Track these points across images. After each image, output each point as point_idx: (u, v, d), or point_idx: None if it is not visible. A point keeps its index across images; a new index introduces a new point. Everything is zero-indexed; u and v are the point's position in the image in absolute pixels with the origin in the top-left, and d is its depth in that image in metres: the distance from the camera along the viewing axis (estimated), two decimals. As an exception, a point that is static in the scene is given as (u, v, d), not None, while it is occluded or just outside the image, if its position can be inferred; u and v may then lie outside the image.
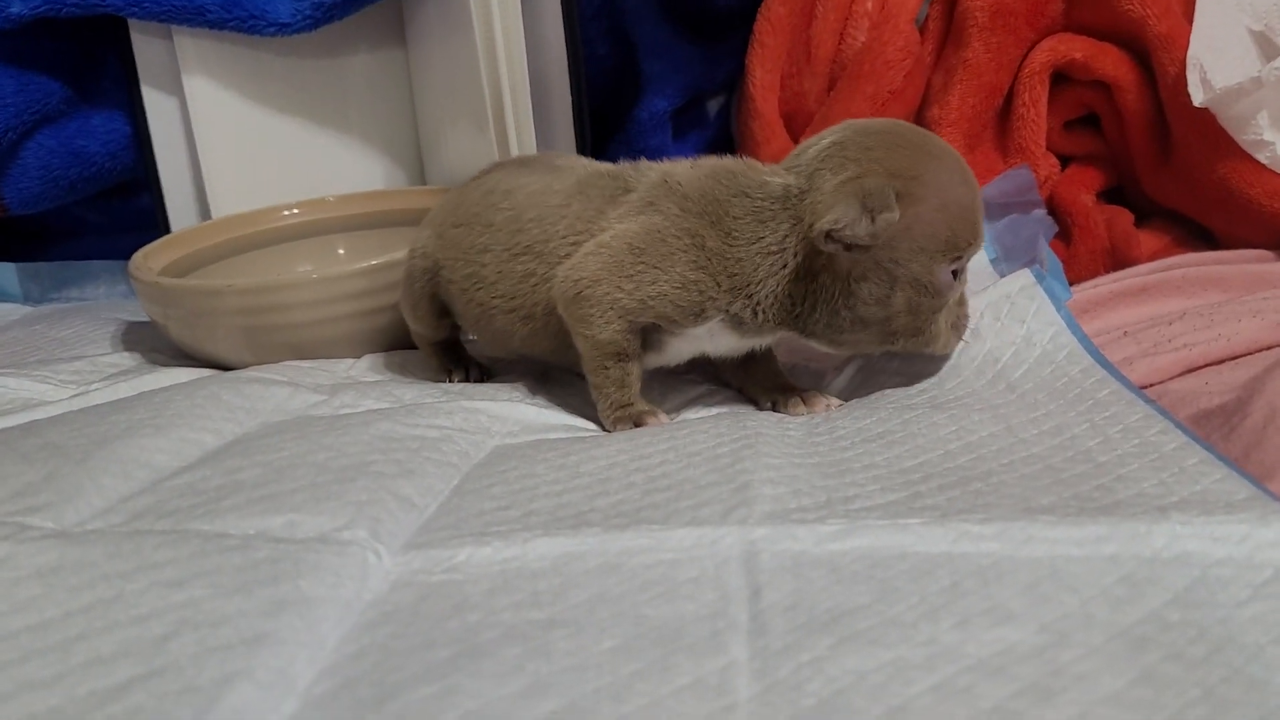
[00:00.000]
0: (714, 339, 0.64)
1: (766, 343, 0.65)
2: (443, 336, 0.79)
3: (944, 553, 0.40)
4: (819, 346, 0.63)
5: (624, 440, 0.57)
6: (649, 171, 0.66)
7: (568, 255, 0.65)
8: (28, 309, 1.10)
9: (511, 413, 0.66)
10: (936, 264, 0.59)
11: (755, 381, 0.68)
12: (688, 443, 0.55)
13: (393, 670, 0.35)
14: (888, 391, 0.64)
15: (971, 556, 0.39)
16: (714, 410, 0.66)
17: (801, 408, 0.64)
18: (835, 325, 0.61)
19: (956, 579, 0.38)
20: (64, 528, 0.46)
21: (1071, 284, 0.80)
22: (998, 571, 0.38)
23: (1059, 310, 0.66)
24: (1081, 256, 0.91)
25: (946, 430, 0.54)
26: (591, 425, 0.66)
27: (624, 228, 0.63)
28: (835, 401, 0.65)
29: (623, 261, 0.61)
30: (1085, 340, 0.63)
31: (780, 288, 0.60)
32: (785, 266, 0.60)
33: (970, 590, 0.37)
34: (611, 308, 0.62)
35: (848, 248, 0.57)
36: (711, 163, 0.65)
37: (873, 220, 0.55)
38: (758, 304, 0.61)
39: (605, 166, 0.70)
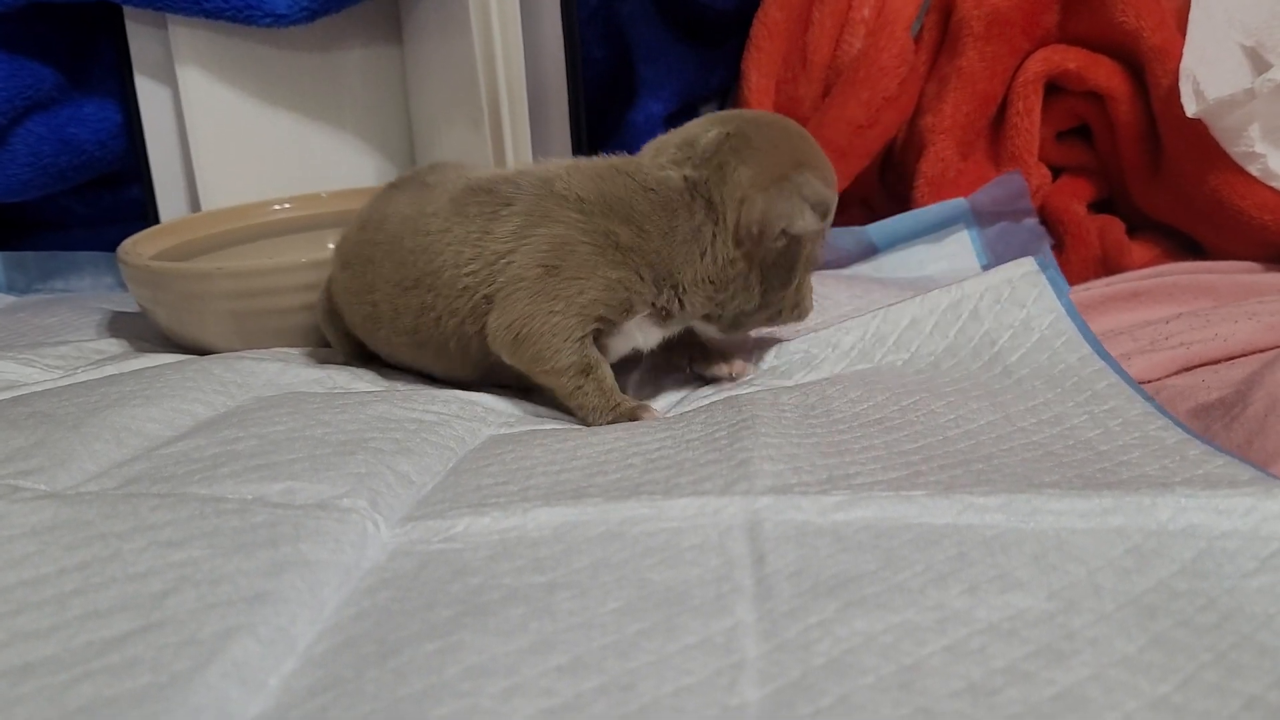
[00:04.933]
0: (644, 333, 0.65)
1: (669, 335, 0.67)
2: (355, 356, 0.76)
3: (949, 524, 0.40)
4: (717, 332, 0.67)
5: (620, 430, 0.57)
6: (524, 181, 0.64)
7: (465, 288, 0.63)
8: (12, 298, 1.08)
9: (506, 405, 0.65)
10: (821, 242, 0.65)
11: (680, 351, 0.71)
12: (685, 431, 0.55)
13: (395, 629, 0.35)
14: (882, 370, 0.64)
15: (977, 528, 0.39)
16: (706, 402, 0.66)
17: (724, 368, 0.68)
18: (747, 308, 0.64)
19: (963, 549, 0.38)
20: (58, 490, 0.45)
21: (1064, 289, 0.81)
22: (1003, 542, 0.38)
23: (1060, 298, 0.66)
24: (1073, 265, 0.91)
25: (945, 418, 0.54)
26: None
27: (528, 251, 0.61)
28: (751, 366, 0.69)
29: (544, 287, 0.60)
30: (1085, 328, 0.64)
31: (700, 275, 0.62)
32: (704, 255, 0.62)
33: (977, 559, 0.37)
34: (554, 334, 0.60)
35: (779, 239, 0.61)
36: (591, 164, 0.65)
37: (819, 215, 0.60)
38: (682, 293, 0.62)
39: (476, 179, 0.67)
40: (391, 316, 0.67)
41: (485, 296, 0.62)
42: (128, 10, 0.97)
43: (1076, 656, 0.31)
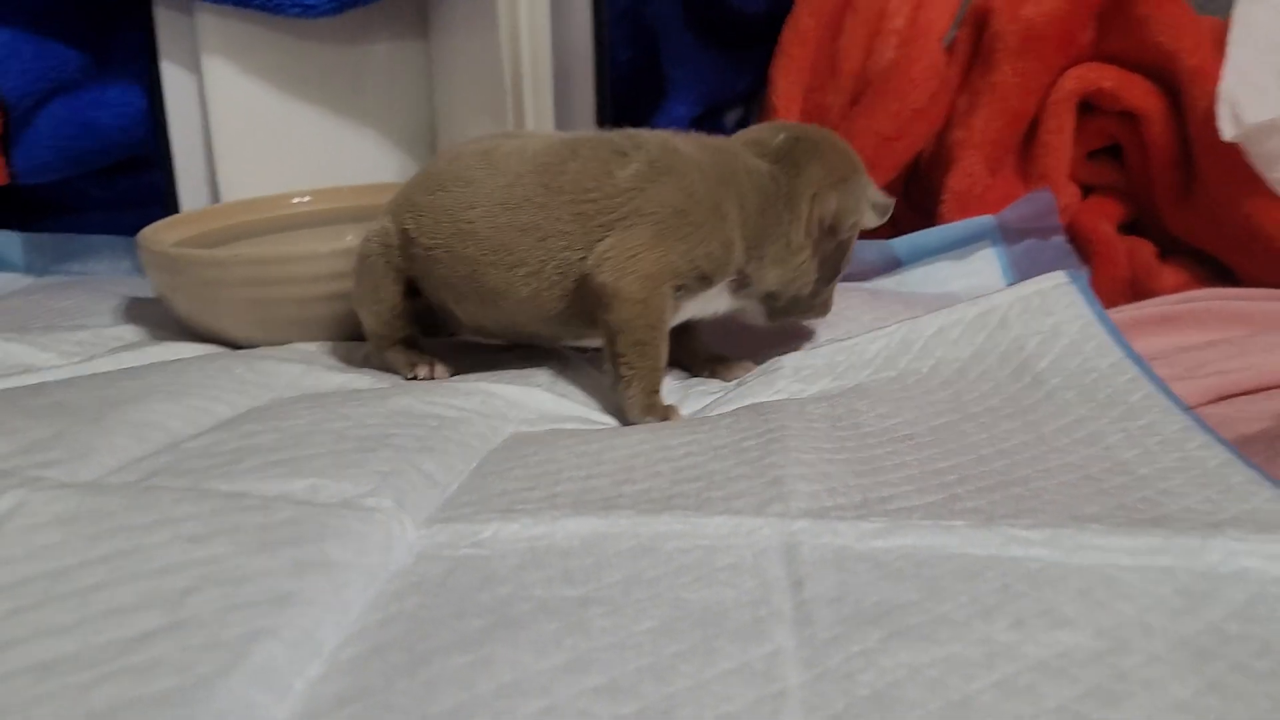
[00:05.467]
0: (718, 300, 0.69)
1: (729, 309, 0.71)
2: (402, 334, 0.73)
3: (992, 555, 0.39)
4: (764, 317, 0.72)
5: (645, 432, 0.56)
6: (643, 139, 0.67)
7: (581, 214, 0.64)
8: (29, 280, 1.08)
9: (528, 399, 0.64)
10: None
11: (689, 353, 0.73)
12: (711, 436, 0.54)
13: (424, 638, 0.34)
14: (908, 378, 0.63)
15: (1021, 560, 0.38)
16: (730, 408, 0.65)
17: (734, 371, 0.71)
18: (802, 294, 0.70)
19: (1007, 581, 0.37)
20: (78, 481, 0.44)
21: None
22: (1049, 577, 0.37)
23: (1090, 305, 0.65)
24: (1102, 286, 0.90)
25: (977, 437, 0.53)
26: (609, 419, 0.65)
27: (660, 190, 0.63)
28: (752, 365, 0.72)
29: (671, 226, 0.63)
30: (1116, 333, 0.63)
31: (776, 257, 0.68)
32: (780, 239, 0.67)
33: (1022, 593, 0.36)
34: (662, 272, 0.62)
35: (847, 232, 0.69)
36: (702, 139, 0.69)
37: (879, 214, 0.70)
38: (763, 268, 0.68)
39: (580, 133, 0.70)
40: (486, 233, 0.65)
41: (602, 224, 0.63)
42: (155, -6, 0.96)
43: (1130, 699, 0.30)
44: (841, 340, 0.69)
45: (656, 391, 0.63)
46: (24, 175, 1.02)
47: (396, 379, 0.70)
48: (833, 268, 0.70)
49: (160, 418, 0.53)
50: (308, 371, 0.68)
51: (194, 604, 0.34)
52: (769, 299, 0.70)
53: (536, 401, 0.64)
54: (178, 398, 0.56)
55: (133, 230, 0.88)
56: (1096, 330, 0.64)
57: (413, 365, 0.71)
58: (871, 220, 0.70)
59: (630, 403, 0.62)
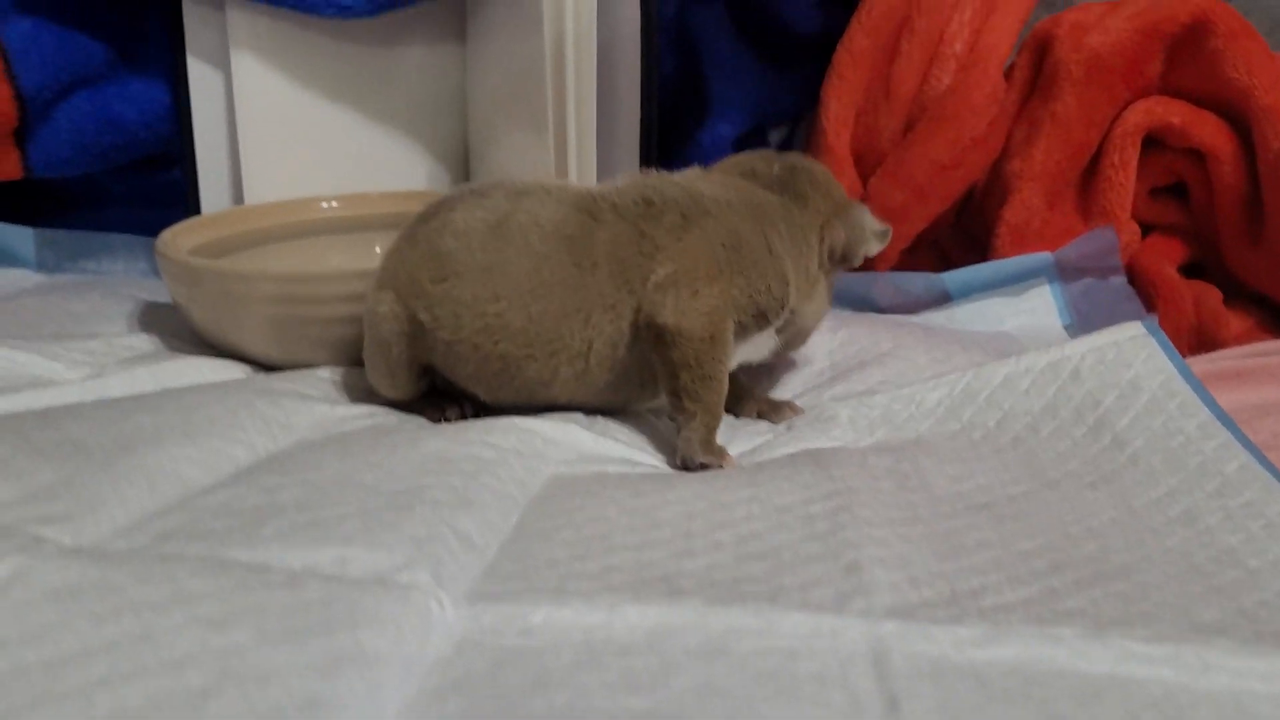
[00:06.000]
0: (764, 343, 0.67)
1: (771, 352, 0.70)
2: (424, 391, 0.68)
3: (1108, 674, 0.34)
4: (778, 346, 0.70)
5: (697, 484, 0.52)
6: (661, 188, 0.64)
7: (622, 284, 0.61)
8: (41, 277, 1.04)
9: (566, 437, 0.60)
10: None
11: (733, 395, 0.67)
12: (772, 493, 0.50)
13: (471, 758, 0.30)
14: (972, 430, 0.59)
15: (1142, 683, 0.34)
16: (782, 453, 0.61)
17: (783, 414, 0.68)
18: (811, 324, 0.70)
19: (1130, 707, 0.33)
20: (83, 544, 0.40)
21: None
22: (1175, 705, 0.33)
23: (1171, 358, 0.61)
24: (1168, 332, 0.85)
25: (1060, 510, 0.49)
26: (649, 459, 0.61)
27: (702, 234, 0.61)
28: (799, 407, 0.69)
29: (729, 260, 0.61)
30: (1201, 390, 0.58)
31: (805, 292, 0.67)
32: (804, 275, 0.66)
33: (1149, 724, 0.32)
34: (726, 304, 0.60)
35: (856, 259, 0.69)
36: (719, 178, 0.68)
37: (879, 241, 0.69)
38: (800, 303, 0.66)
39: (584, 187, 0.66)
40: (521, 325, 0.61)
41: (660, 261, 0.61)
42: (184, -12, 0.92)
43: None
44: (899, 389, 0.65)
45: (715, 430, 0.60)
46: (40, 170, 0.98)
47: (421, 420, 0.65)
48: (830, 295, 0.72)
49: (175, 464, 0.48)
50: (333, 409, 0.64)
51: (212, 711, 0.30)
52: (782, 330, 0.68)
53: (575, 439, 0.60)
54: (195, 438, 0.52)
55: (152, 228, 0.84)
56: (1179, 386, 0.59)
57: (441, 411, 0.66)
58: (874, 248, 0.69)
59: (691, 441, 0.59)
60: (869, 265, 0.96)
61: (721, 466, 0.58)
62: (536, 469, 0.54)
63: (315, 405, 0.63)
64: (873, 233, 0.68)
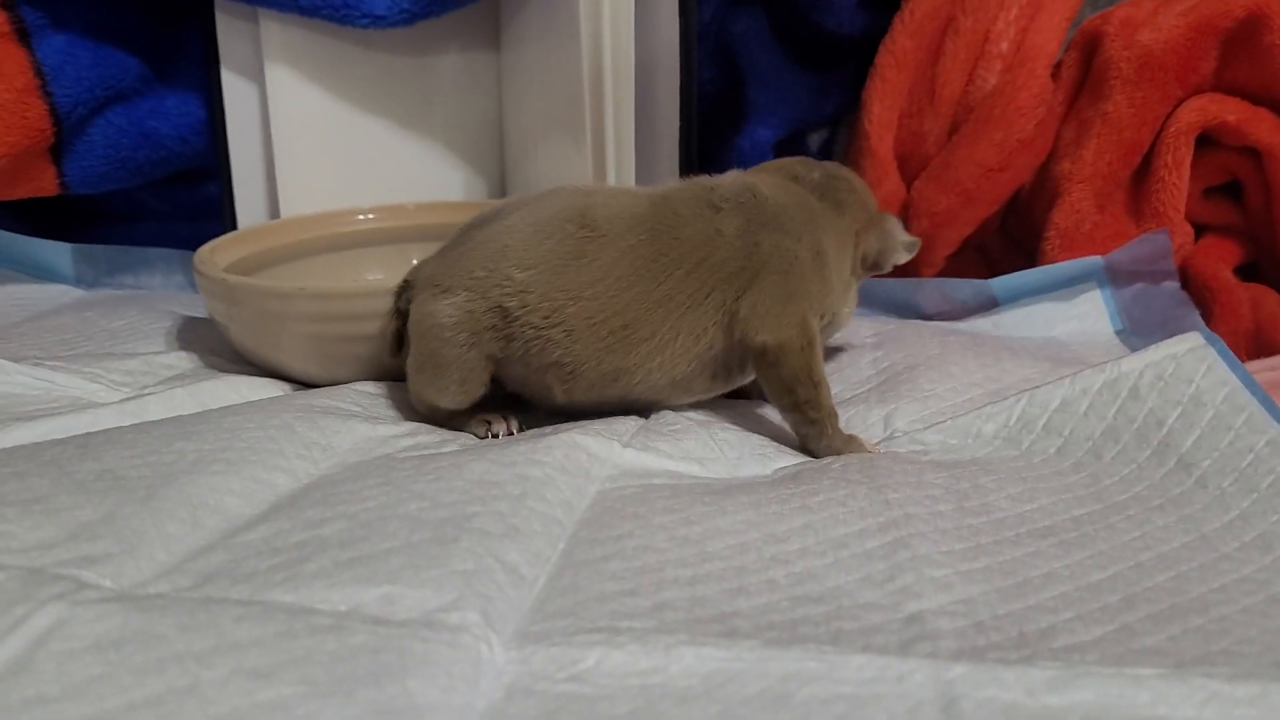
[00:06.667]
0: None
1: None
2: (476, 400, 0.67)
3: (1192, 719, 0.33)
4: None
5: (749, 509, 0.50)
6: (722, 189, 0.66)
7: (701, 282, 0.62)
8: (80, 293, 1.04)
9: (609, 453, 0.58)
10: None
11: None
12: (825, 522, 0.48)
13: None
14: (1032, 455, 0.58)
15: (1230, 730, 0.32)
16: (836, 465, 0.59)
17: None
18: (840, 324, 0.72)
19: (1218, 761, 0.31)
20: (125, 588, 0.39)
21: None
22: (1267, 754, 0.31)
23: (1233, 370, 0.59)
24: (1225, 336, 0.83)
25: (1129, 535, 0.47)
26: (696, 471, 0.59)
27: (769, 243, 0.63)
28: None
29: (796, 272, 0.63)
30: (1269, 403, 0.56)
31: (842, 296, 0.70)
32: (843, 276, 0.69)
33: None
34: (808, 312, 0.63)
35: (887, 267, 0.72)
36: (771, 180, 0.69)
37: (908, 251, 0.72)
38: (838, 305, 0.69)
39: (651, 188, 0.68)
40: (616, 310, 0.61)
41: (729, 284, 0.62)
42: (219, 2, 0.92)
43: None
44: (955, 418, 0.63)
45: (839, 422, 0.63)
46: (77, 186, 0.98)
47: (463, 439, 0.64)
48: (855, 298, 0.74)
49: (217, 495, 0.47)
50: (374, 428, 0.63)
51: (260, 772, 0.29)
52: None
53: (617, 455, 0.59)
54: (235, 467, 0.51)
55: (190, 243, 0.83)
56: (1245, 399, 0.57)
57: (489, 425, 0.65)
58: (902, 258, 0.72)
59: (829, 444, 0.62)
60: (914, 271, 0.94)
61: (869, 451, 0.61)
62: (583, 488, 0.53)
63: (356, 425, 0.62)
64: (902, 244, 0.71)
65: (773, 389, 0.62)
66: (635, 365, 0.62)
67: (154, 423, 0.59)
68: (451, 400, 0.64)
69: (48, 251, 1.05)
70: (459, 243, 0.67)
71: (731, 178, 0.68)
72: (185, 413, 0.66)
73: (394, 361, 0.71)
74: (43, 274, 1.06)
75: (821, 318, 0.66)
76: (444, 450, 0.59)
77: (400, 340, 0.69)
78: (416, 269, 0.69)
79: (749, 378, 0.66)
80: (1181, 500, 0.50)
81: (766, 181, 0.68)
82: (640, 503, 0.51)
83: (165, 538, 0.43)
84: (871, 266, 0.72)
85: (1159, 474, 0.53)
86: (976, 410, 0.63)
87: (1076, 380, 0.62)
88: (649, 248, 0.62)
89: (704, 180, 0.68)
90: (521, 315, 0.61)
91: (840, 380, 0.74)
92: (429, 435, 0.63)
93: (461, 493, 0.49)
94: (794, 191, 0.68)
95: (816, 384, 0.61)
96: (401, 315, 0.69)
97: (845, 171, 0.73)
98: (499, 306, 0.62)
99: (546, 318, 0.61)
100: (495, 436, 0.64)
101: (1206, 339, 0.62)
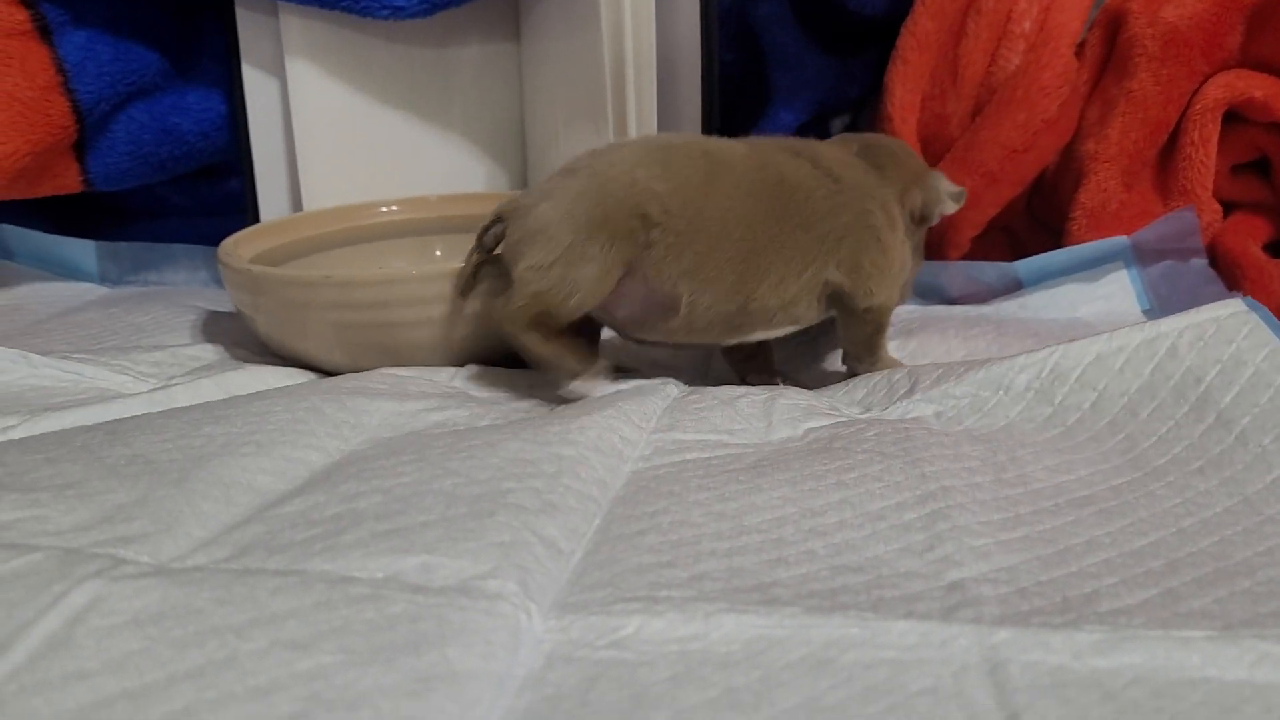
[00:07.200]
0: None
1: None
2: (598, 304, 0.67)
3: (1243, 680, 0.32)
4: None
5: (784, 486, 0.49)
6: (799, 146, 0.71)
7: (809, 233, 0.67)
8: (105, 290, 1.04)
9: (640, 435, 0.58)
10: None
11: (757, 369, 0.76)
12: (862, 497, 0.48)
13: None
14: (1066, 413, 0.58)
15: (1282, 688, 0.32)
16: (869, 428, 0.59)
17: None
18: (909, 278, 0.76)
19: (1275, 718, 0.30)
20: (163, 563, 0.39)
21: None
22: (1324, 713, 0.31)
23: (1276, 332, 0.58)
24: (1259, 312, 0.82)
25: (1170, 502, 0.47)
26: (727, 440, 0.59)
27: (854, 202, 0.69)
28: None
29: (879, 228, 0.69)
30: None
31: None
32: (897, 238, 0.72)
33: (1296, 737, 0.30)
34: (896, 267, 0.70)
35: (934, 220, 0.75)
36: (826, 148, 0.73)
37: (955, 201, 0.74)
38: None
39: (737, 140, 0.72)
40: (744, 232, 0.65)
41: (838, 224, 0.68)
42: (239, -5, 0.92)
43: None
44: (986, 369, 0.62)
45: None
46: (101, 183, 0.98)
47: (495, 409, 0.64)
48: (919, 257, 0.78)
49: (249, 474, 0.47)
50: (401, 404, 0.63)
51: (303, 739, 0.29)
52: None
53: (649, 437, 0.58)
54: (266, 448, 0.51)
55: (213, 238, 0.84)
56: None
57: (584, 363, 0.65)
58: (949, 207, 0.74)
59: (884, 364, 0.71)
60: (940, 253, 0.94)
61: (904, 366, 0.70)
62: (616, 468, 0.53)
63: (382, 402, 0.62)
64: (948, 194, 0.74)
65: (852, 333, 0.71)
66: (757, 282, 0.66)
67: (182, 409, 0.59)
68: (579, 299, 0.63)
69: (72, 249, 1.06)
70: (565, 177, 0.68)
71: (795, 140, 0.73)
72: (212, 400, 0.67)
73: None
74: (68, 272, 1.06)
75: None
76: (477, 425, 0.59)
77: (473, 278, 0.71)
78: (510, 202, 0.69)
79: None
80: (1222, 461, 0.49)
81: (827, 149, 0.72)
82: (674, 481, 0.50)
83: (200, 515, 0.43)
84: (920, 220, 0.74)
85: (1197, 432, 0.53)
86: (1010, 359, 0.63)
87: (1114, 337, 0.61)
88: (766, 182, 0.67)
89: (776, 140, 0.73)
90: (664, 222, 0.64)
91: (871, 381, 0.74)
92: (459, 409, 0.62)
93: (496, 470, 0.49)
94: (850, 160, 0.72)
95: (884, 329, 0.71)
96: (485, 250, 0.70)
97: (880, 138, 0.77)
98: (642, 214, 0.64)
99: (690, 223, 0.64)
100: (590, 375, 0.65)
101: (1249, 305, 0.62)
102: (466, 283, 0.71)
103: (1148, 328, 0.60)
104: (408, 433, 0.58)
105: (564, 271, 0.63)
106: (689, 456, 0.55)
